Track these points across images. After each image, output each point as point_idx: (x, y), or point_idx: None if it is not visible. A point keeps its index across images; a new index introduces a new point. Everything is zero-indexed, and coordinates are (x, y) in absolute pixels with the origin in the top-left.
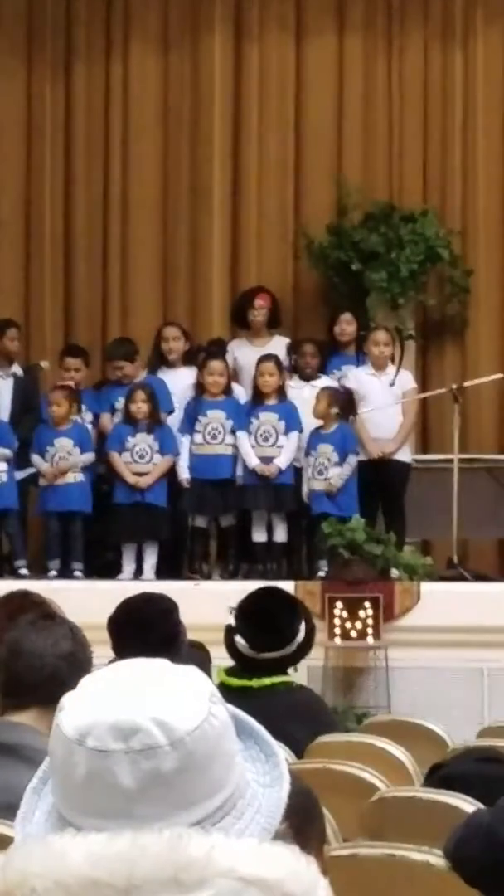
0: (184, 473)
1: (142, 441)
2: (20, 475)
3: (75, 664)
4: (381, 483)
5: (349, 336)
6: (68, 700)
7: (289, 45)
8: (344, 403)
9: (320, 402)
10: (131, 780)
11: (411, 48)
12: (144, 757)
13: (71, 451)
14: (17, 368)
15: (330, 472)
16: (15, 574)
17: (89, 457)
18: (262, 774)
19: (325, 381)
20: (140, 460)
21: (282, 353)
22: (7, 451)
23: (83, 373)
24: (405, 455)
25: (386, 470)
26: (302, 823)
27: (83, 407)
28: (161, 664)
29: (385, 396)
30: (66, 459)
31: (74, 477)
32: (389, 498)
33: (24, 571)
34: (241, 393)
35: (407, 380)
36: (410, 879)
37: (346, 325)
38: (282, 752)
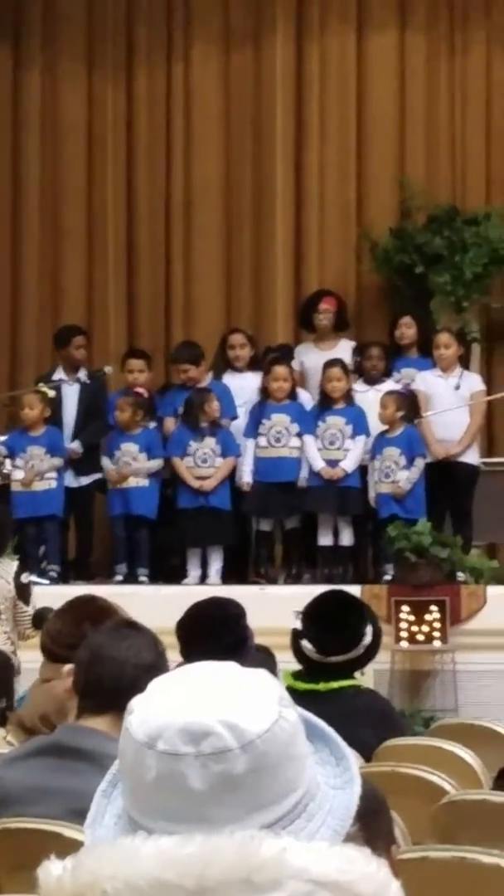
0: (245, 477)
1: (205, 445)
2: (85, 480)
3: (156, 675)
4: (448, 486)
5: (409, 339)
6: (138, 703)
7: (350, 44)
8: (409, 406)
9: (388, 407)
10: (202, 783)
11: (474, 47)
12: (215, 760)
13: (136, 456)
14: (83, 375)
15: (397, 475)
16: (43, 576)
17: (156, 463)
18: (333, 777)
19: (389, 385)
20: (203, 464)
21: (347, 356)
22: (58, 461)
23: (147, 375)
24: (473, 458)
25: (453, 473)
26: (369, 824)
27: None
28: (230, 667)
29: (451, 398)
30: (129, 464)
31: (137, 482)
32: (457, 501)
33: (52, 575)
34: (307, 398)
35: (475, 382)
36: (481, 883)
37: (406, 329)
38: (352, 755)
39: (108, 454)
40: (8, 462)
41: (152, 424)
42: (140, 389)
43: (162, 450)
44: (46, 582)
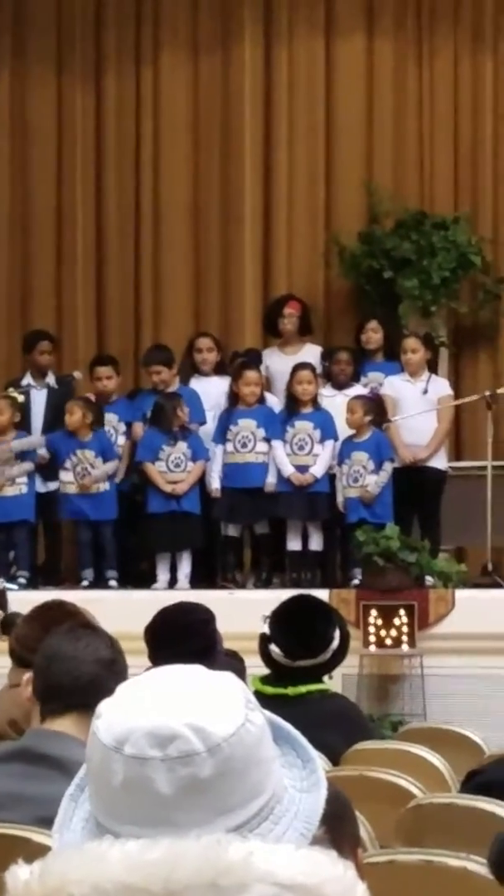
0: (214, 483)
1: (177, 449)
2: (53, 486)
3: (115, 672)
4: (416, 490)
5: (376, 343)
6: (105, 707)
7: (318, 50)
8: (376, 410)
9: (356, 412)
10: (169, 786)
11: (441, 53)
12: (182, 764)
13: (93, 462)
14: (51, 379)
15: (366, 480)
16: (13, 582)
17: (113, 465)
18: (300, 780)
19: (357, 389)
20: (176, 469)
21: (313, 360)
22: (29, 465)
23: (115, 381)
24: (441, 462)
25: (421, 477)
26: (335, 827)
27: (115, 417)
28: (197, 670)
29: (419, 403)
30: (88, 472)
31: (98, 488)
32: (425, 505)
33: (21, 581)
34: (275, 402)
35: (442, 386)
36: (448, 886)
37: (373, 333)
38: (318, 758)
39: (60, 460)
40: None
41: (110, 429)
42: (89, 395)
43: (115, 450)
44: (15, 587)
